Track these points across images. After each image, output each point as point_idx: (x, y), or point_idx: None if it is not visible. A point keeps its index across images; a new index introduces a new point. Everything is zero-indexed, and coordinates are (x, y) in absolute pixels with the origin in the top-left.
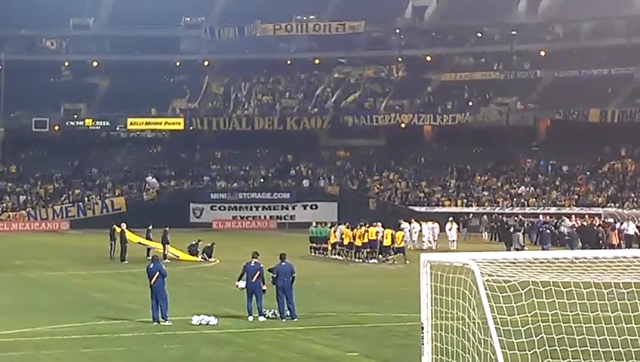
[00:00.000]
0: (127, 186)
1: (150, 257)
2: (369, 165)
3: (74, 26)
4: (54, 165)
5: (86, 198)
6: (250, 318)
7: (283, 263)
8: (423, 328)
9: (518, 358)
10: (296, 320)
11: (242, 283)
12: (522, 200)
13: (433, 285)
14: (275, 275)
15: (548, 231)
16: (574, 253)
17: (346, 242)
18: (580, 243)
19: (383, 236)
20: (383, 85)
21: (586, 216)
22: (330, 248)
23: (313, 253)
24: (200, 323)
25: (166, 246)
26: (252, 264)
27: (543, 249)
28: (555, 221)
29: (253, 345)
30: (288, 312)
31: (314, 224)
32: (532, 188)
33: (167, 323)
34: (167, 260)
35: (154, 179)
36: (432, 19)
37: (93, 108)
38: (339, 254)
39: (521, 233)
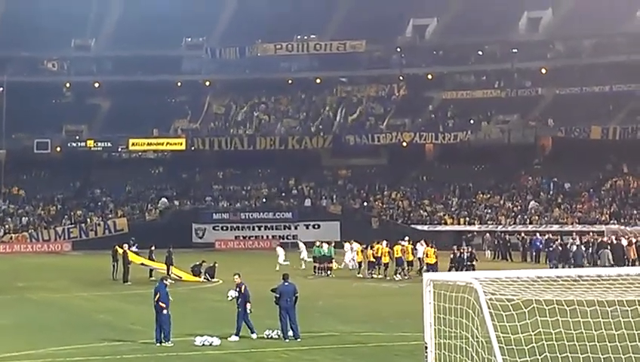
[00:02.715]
0: (129, 207)
1: (153, 278)
2: (371, 184)
3: (75, 47)
4: (56, 186)
5: (88, 219)
6: (254, 336)
7: (286, 283)
8: (426, 347)
9: None
10: (299, 340)
11: (233, 293)
12: (525, 217)
13: (436, 304)
14: (278, 295)
15: (560, 248)
16: (578, 271)
17: (385, 261)
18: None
19: (424, 254)
20: (384, 104)
21: (591, 233)
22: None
23: (316, 273)
24: (203, 344)
25: (170, 267)
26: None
27: (550, 267)
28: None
29: None
30: (291, 332)
31: (317, 244)
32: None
33: (169, 344)
34: (170, 281)
35: (166, 200)
36: (432, 37)
37: (95, 129)
38: (373, 274)
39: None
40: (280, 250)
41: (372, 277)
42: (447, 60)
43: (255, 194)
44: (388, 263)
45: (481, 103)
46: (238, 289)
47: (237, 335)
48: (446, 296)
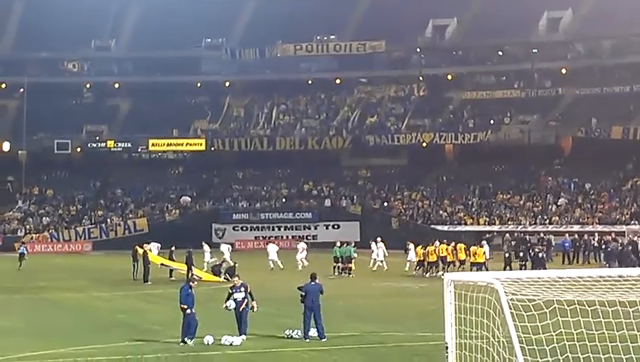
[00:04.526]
0: (149, 207)
1: (173, 278)
2: (391, 184)
3: (95, 47)
4: (76, 187)
5: (108, 220)
6: (240, 339)
7: (312, 283)
8: (447, 347)
9: None
10: (324, 340)
11: (232, 303)
12: (545, 217)
13: (457, 304)
14: (303, 293)
15: (619, 248)
16: (599, 272)
17: (432, 259)
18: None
19: (470, 253)
20: (404, 104)
21: (613, 234)
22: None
23: (337, 273)
24: (223, 344)
25: (191, 267)
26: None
27: (609, 266)
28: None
29: None
30: (314, 332)
31: (338, 244)
32: (555, 206)
33: (191, 343)
34: (195, 281)
35: (188, 198)
36: (452, 37)
37: (115, 129)
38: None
39: None
40: (271, 247)
41: (424, 276)
42: (466, 60)
43: (275, 194)
44: (436, 262)
45: (501, 103)
46: (243, 290)
47: (244, 333)
48: (467, 296)
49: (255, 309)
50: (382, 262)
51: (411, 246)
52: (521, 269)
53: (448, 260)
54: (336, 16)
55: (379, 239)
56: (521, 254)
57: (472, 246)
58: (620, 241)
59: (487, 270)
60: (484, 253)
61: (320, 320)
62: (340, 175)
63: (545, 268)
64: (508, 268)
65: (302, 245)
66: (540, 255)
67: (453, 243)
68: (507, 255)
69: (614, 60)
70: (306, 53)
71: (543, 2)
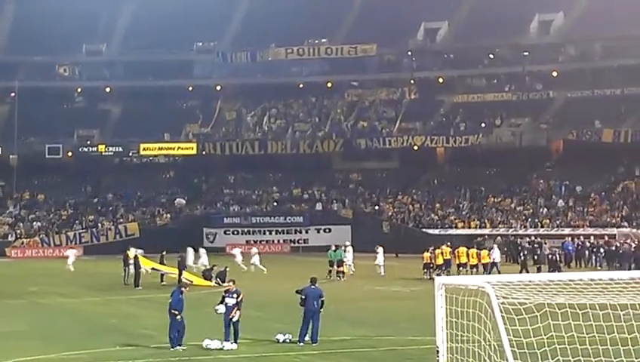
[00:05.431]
0: (141, 212)
1: (164, 283)
2: (382, 188)
3: (87, 52)
4: (68, 191)
5: (99, 224)
6: (234, 346)
7: (312, 286)
8: (438, 351)
9: None
10: (315, 344)
11: (222, 308)
12: (536, 220)
13: (448, 308)
14: (303, 297)
15: (632, 249)
16: (590, 275)
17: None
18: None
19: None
20: (395, 108)
21: (606, 237)
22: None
23: (329, 277)
24: (208, 347)
25: (182, 272)
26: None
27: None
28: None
29: None
30: (308, 337)
31: (333, 248)
32: (546, 209)
33: (181, 349)
34: (186, 285)
35: (183, 200)
36: (444, 41)
37: (107, 134)
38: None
39: None
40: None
41: (429, 279)
42: (458, 63)
43: (266, 198)
44: (442, 265)
45: (492, 106)
46: (235, 296)
47: (236, 341)
48: (458, 300)
49: (235, 319)
50: (349, 266)
51: (380, 249)
52: (537, 272)
53: (456, 263)
54: (327, 20)
55: (347, 243)
56: (536, 257)
57: (479, 249)
58: (635, 242)
59: (493, 272)
60: (489, 254)
61: (317, 324)
62: (331, 178)
63: (560, 271)
64: (524, 271)
65: (254, 250)
66: (554, 258)
67: (465, 247)
68: (522, 258)
69: (605, 63)
70: (297, 57)
71: (535, 5)
